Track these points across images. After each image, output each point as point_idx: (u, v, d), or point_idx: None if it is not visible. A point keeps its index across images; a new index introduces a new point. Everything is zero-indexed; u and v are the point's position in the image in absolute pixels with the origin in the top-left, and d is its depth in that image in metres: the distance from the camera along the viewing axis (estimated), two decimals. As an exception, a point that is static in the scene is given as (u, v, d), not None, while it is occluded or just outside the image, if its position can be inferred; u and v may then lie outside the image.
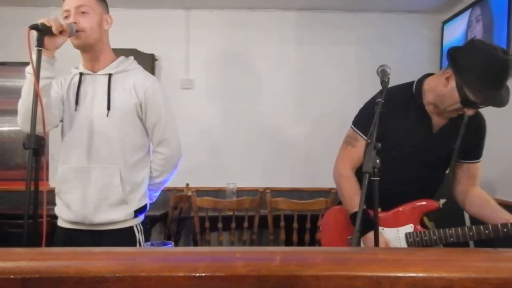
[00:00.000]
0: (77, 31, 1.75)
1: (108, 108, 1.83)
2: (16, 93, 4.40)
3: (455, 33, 4.05)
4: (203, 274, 0.47)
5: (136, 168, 1.90)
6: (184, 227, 3.96)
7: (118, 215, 1.84)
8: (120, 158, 1.84)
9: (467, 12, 3.86)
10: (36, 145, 1.49)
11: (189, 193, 3.52)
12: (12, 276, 0.46)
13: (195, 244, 3.56)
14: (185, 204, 3.76)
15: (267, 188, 3.69)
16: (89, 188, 1.82)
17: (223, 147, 4.39)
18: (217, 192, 4.05)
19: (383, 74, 1.67)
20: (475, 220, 1.87)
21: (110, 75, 1.86)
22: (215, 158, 4.38)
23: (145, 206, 1.95)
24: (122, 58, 1.93)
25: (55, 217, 3.19)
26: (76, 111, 1.85)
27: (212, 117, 4.41)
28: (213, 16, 4.40)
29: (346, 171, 1.90)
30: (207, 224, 3.38)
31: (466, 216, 3.06)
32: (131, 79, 1.87)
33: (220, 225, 3.36)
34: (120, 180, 1.83)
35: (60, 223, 1.91)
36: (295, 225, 3.36)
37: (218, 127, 4.41)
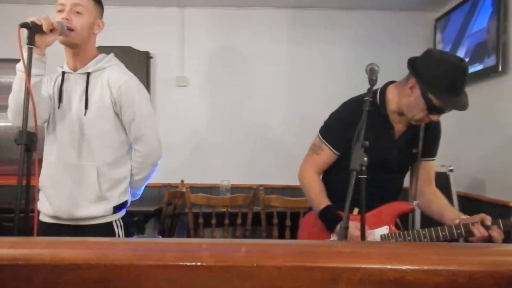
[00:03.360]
0: (67, 28, 1.75)
1: (86, 107, 1.84)
2: (6, 89, 4.41)
3: (448, 30, 4.08)
4: (171, 263, 0.50)
5: (116, 165, 1.90)
6: (178, 223, 3.99)
7: (97, 210, 1.86)
8: (98, 156, 1.85)
9: (460, 9, 3.88)
10: (28, 141, 1.52)
11: (184, 190, 3.54)
12: (-10, 264, 0.49)
13: (189, 240, 3.58)
14: (179, 200, 3.79)
15: (261, 185, 3.72)
16: (68, 184, 1.84)
17: (217, 144, 4.42)
18: (211, 189, 4.08)
19: (371, 73, 1.70)
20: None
21: (88, 74, 1.86)
22: (210, 155, 4.40)
23: (125, 202, 1.95)
24: (101, 56, 1.92)
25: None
26: (59, 109, 1.87)
27: (207, 114, 4.43)
28: (207, 14, 4.42)
29: (309, 174, 1.99)
30: (200, 220, 3.40)
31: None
32: (106, 76, 1.86)
33: (213, 221, 3.38)
34: (98, 177, 1.84)
35: (42, 217, 1.92)
36: (288, 222, 3.39)
37: (212, 124, 4.43)
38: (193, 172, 4.23)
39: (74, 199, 1.84)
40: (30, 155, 1.54)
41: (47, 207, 1.88)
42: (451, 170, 3.47)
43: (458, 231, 1.71)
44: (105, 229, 1.88)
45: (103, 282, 0.49)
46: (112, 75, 1.87)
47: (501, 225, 1.68)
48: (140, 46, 4.20)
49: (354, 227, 1.78)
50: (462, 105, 1.75)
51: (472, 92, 3.47)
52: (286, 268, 0.50)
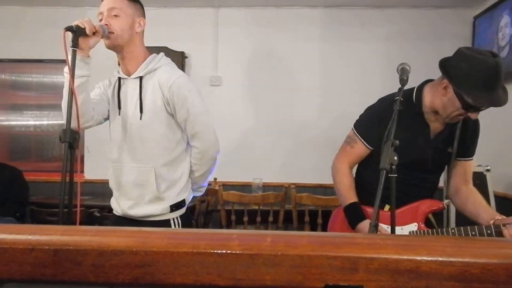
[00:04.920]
0: (108, 32, 1.83)
1: (141, 111, 1.89)
2: (53, 88, 4.67)
3: (488, 28, 3.98)
4: (203, 251, 0.55)
5: (174, 165, 1.95)
6: (211, 220, 4.08)
7: (154, 209, 1.93)
8: (155, 158, 1.91)
9: (500, 6, 3.78)
10: (71, 139, 1.61)
11: (216, 187, 3.62)
12: (46, 247, 0.56)
13: (221, 236, 3.66)
14: (212, 198, 3.88)
15: (292, 184, 3.76)
16: (127, 186, 1.94)
17: (250, 142, 4.48)
18: (244, 187, 4.14)
19: (402, 73, 1.73)
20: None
21: (141, 78, 1.92)
22: (242, 153, 4.47)
23: (183, 201, 1.99)
24: (151, 57, 1.96)
25: (88, 207, 3.36)
26: (119, 114, 1.96)
27: (240, 113, 4.50)
28: (241, 14, 4.49)
29: (343, 167, 2.01)
30: (233, 217, 3.48)
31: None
32: (157, 78, 1.90)
33: (245, 218, 3.45)
34: (155, 178, 1.90)
35: (114, 211, 2.06)
36: (319, 220, 3.42)
37: (245, 123, 4.50)
38: (226, 170, 4.30)
39: (134, 201, 1.94)
40: (73, 153, 1.62)
41: (116, 206, 2.02)
42: (488, 170, 3.41)
43: (489, 231, 1.69)
44: (163, 226, 1.94)
45: (144, 266, 0.55)
46: (162, 77, 1.90)
47: None
48: (176, 46, 4.31)
49: (379, 228, 1.80)
50: (498, 101, 1.72)
51: (510, 89, 3.41)
52: (307, 256, 0.54)
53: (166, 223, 1.95)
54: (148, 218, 1.95)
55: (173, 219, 1.97)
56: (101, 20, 1.87)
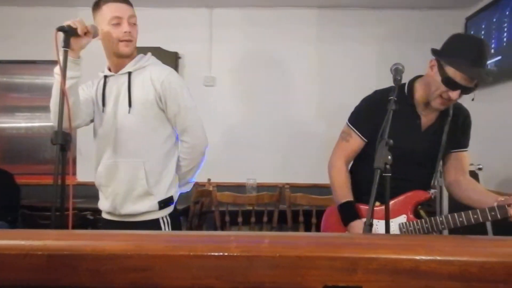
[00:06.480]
0: (129, 40, 1.88)
1: (130, 105, 1.91)
2: (45, 90, 4.62)
3: (480, 29, 4.00)
4: (200, 254, 0.54)
5: (163, 160, 1.96)
6: (205, 221, 4.06)
7: (143, 206, 1.93)
8: (145, 152, 1.92)
9: (493, 8, 3.80)
10: (63, 141, 1.59)
11: (210, 188, 3.61)
12: (40, 253, 0.55)
13: (216, 237, 3.65)
14: (206, 199, 3.86)
15: (287, 184, 3.75)
16: (118, 182, 1.93)
17: (244, 143, 4.47)
18: (238, 188, 4.13)
19: (396, 73, 1.74)
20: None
21: (129, 73, 1.94)
22: (236, 154, 4.45)
23: (171, 198, 2.00)
24: (140, 55, 1.99)
25: (81, 210, 3.33)
26: (104, 112, 1.96)
27: (234, 114, 4.49)
28: (235, 14, 4.47)
29: (339, 163, 2.01)
30: (227, 218, 3.46)
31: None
32: (148, 73, 1.93)
33: (240, 219, 3.43)
34: (145, 172, 1.90)
35: (103, 214, 2.05)
36: (314, 220, 3.41)
37: (239, 123, 4.49)
38: (220, 171, 4.28)
39: (123, 196, 1.93)
40: (65, 155, 1.60)
41: (104, 204, 2.00)
42: (480, 169, 3.43)
43: (493, 213, 1.67)
44: (152, 227, 1.94)
45: (139, 270, 0.55)
46: (154, 72, 1.94)
47: None
48: (169, 47, 4.28)
49: (361, 227, 1.81)
50: (478, 75, 1.73)
51: (504, 90, 3.44)
52: (306, 258, 0.54)
53: (155, 223, 1.95)
54: (137, 218, 1.95)
55: (162, 218, 1.97)
56: (117, 24, 1.86)
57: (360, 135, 1.98)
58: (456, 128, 1.95)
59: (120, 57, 1.93)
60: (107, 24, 1.86)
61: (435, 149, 1.95)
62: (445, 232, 1.96)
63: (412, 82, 1.96)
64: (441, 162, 2.04)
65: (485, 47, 1.76)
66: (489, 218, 1.69)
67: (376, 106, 1.90)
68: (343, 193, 1.95)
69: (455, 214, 1.76)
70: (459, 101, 1.92)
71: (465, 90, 1.77)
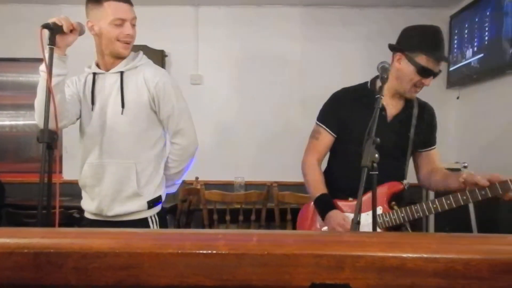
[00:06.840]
0: (129, 42, 1.87)
1: (122, 106, 1.88)
2: (29, 88, 4.56)
3: (463, 28, 4.05)
4: (188, 251, 0.54)
5: (153, 161, 1.95)
6: (193, 219, 4.05)
7: (132, 206, 1.92)
8: (136, 153, 1.90)
9: (475, 7, 3.85)
10: (49, 139, 1.58)
11: (198, 186, 3.60)
12: (25, 251, 0.54)
13: (204, 236, 3.65)
14: (194, 197, 3.86)
15: (275, 182, 3.76)
16: (106, 182, 1.91)
17: (232, 141, 4.47)
18: (226, 186, 4.13)
19: (382, 71, 1.76)
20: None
21: (121, 73, 1.91)
22: (224, 152, 4.46)
23: (159, 197, 1.99)
24: (132, 55, 1.96)
25: (67, 208, 3.30)
26: (93, 110, 1.93)
27: (221, 112, 4.49)
28: (221, 12, 4.48)
29: (311, 161, 2.08)
30: (215, 216, 3.46)
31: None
32: (141, 74, 1.91)
33: (228, 217, 3.44)
34: (136, 173, 1.89)
35: (86, 214, 2.03)
36: (301, 218, 3.42)
37: (226, 121, 4.49)
38: (208, 169, 4.28)
39: (111, 197, 1.91)
40: (51, 153, 1.60)
41: (90, 204, 1.97)
42: (465, 167, 3.47)
43: (448, 201, 1.76)
44: (141, 226, 1.93)
45: (127, 268, 0.54)
46: (148, 73, 1.93)
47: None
48: (155, 45, 4.27)
49: (341, 218, 1.84)
50: (445, 58, 1.96)
51: (488, 88, 3.49)
52: (294, 255, 0.54)
53: (143, 222, 1.95)
54: (124, 218, 1.93)
55: (151, 217, 1.97)
56: (119, 25, 1.84)
57: (329, 130, 2.06)
58: (423, 127, 2.02)
59: (116, 57, 1.90)
60: (109, 23, 1.83)
61: (404, 142, 2.01)
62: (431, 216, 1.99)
63: (374, 79, 2.06)
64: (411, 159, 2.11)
65: (440, 32, 1.91)
66: (461, 202, 1.75)
67: (339, 102, 2.06)
68: (318, 188, 2.00)
69: (429, 201, 1.82)
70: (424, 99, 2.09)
71: (435, 75, 1.91)
